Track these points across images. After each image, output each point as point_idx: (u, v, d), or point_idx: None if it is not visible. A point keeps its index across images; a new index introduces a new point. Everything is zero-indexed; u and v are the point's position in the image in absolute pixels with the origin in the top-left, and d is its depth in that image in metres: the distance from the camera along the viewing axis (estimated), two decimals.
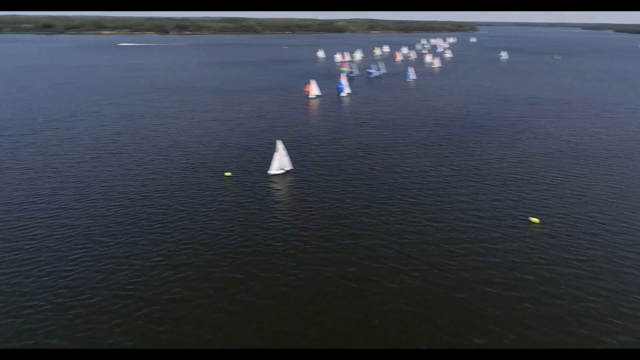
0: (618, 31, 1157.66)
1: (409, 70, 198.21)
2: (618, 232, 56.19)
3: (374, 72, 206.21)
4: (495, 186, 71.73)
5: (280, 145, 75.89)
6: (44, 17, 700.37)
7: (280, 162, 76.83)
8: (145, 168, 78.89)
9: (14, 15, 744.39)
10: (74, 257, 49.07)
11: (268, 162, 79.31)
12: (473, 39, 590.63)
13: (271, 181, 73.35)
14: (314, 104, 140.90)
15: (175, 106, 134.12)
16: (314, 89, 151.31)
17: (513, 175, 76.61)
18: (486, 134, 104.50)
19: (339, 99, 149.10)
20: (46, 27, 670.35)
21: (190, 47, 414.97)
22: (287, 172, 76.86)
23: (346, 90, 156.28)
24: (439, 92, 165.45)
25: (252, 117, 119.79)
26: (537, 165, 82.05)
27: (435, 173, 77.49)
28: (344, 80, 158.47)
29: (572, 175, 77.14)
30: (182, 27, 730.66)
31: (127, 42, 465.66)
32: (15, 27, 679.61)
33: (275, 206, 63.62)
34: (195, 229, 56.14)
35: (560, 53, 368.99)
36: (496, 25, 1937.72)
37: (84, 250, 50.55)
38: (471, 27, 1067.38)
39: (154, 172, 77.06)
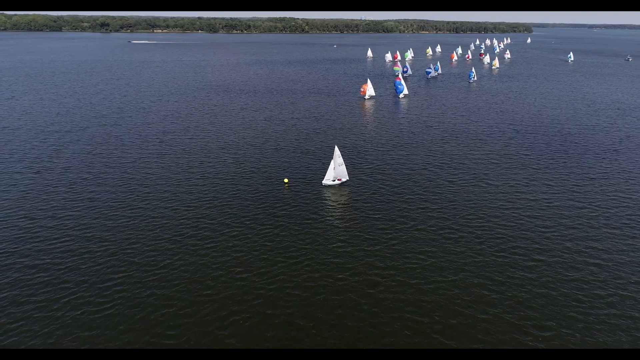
0: None
1: (472, 71, 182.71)
2: None
3: (432, 72, 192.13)
4: (610, 209, 58.06)
5: (337, 153, 65.74)
6: (102, 16, 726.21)
7: (337, 171, 66.56)
8: (192, 172, 70.83)
9: (75, 15, 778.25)
10: (111, 281, 40.77)
11: (324, 169, 69.46)
12: (529, 41, 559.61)
13: (327, 194, 63.22)
14: (370, 105, 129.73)
15: (225, 105, 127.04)
16: (369, 90, 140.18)
17: (629, 198, 62.48)
18: (576, 143, 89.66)
19: (397, 101, 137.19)
20: (103, 26, 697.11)
21: (212, 45, 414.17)
22: (343, 183, 66.57)
23: (405, 91, 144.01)
24: (509, 94, 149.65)
25: (306, 119, 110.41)
26: None
27: (528, 191, 64.51)
28: (402, 81, 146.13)
29: None
30: (231, 26, 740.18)
31: (141, 39, 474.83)
32: (76, 25, 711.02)
33: (336, 231, 53.20)
34: (247, 258, 46.74)
35: (632, 54, 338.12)
36: (549, 26, 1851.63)
37: (123, 275, 42.23)
38: (526, 28, 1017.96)
39: (203, 177, 68.81)
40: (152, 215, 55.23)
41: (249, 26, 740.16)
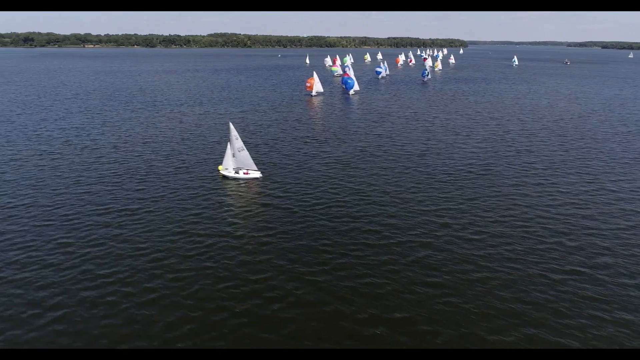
0: (604, 47, 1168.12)
1: (425, 69, 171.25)
2: None
3: (382, 71, 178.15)
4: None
5: (234, 133, 45.87)
6: (26, 32, 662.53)
7: (238, 159, 47.06)
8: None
9: None
10: None
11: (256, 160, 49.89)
12: (461, 52, 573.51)
13: (224, 188, 44.15)
14: (319, 101, 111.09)
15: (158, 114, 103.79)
16: (317, 85, 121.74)
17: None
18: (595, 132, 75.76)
19: (348, 97, 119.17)
20: (27, 41, 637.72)
21: (149, 56, 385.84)
22: (254, 179, 47.71)
23: (355, 86, 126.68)
24: (471, 92, 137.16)
25: (253, 111, 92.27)
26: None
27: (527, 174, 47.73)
28: (352, 77, 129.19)
29: None
30: (169, 41, 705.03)
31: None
32: None
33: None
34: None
35: (569, 59, 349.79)
36: (480, 43, 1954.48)
37: None
38: (462, 44, 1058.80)
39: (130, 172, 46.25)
40: None
41: (189, 41, 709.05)
